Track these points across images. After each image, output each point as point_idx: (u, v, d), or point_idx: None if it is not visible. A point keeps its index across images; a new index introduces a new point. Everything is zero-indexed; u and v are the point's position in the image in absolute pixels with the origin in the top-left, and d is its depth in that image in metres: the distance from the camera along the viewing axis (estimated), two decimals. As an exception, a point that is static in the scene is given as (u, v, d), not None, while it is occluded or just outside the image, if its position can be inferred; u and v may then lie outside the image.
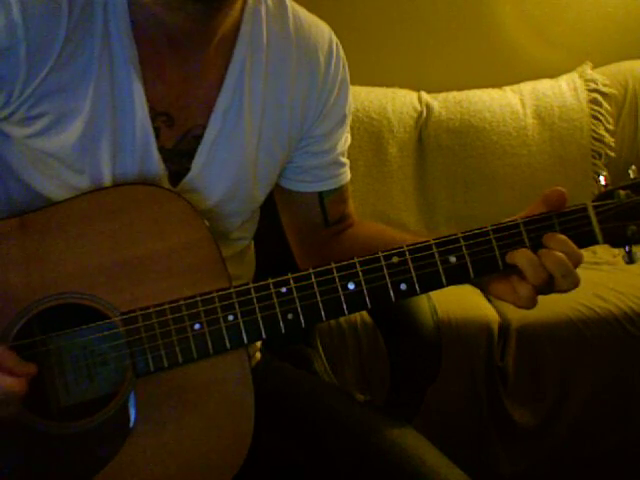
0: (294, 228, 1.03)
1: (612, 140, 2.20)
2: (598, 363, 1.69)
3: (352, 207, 1.04)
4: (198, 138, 0.85)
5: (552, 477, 1.74)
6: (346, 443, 0.87)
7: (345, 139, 0.99)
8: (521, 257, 0.76)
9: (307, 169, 0.96)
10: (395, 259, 0.77)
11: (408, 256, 0.77)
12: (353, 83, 2.39)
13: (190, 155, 0.85)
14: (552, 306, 1.70)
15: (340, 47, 0.95)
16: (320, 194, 0.98)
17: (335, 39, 0.95)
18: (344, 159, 0.99)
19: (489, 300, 1.82)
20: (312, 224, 1.00)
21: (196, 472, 0.78)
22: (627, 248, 0.80)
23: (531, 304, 0.77)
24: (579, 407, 1.69)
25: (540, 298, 0.78)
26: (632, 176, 0.81)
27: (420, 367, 1.05)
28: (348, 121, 0.98)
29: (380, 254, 0.78)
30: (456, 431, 1.69)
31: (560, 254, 0.75)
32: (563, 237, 0.76)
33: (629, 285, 1.79)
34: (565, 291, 0.77)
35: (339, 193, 0.99)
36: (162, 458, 0.77)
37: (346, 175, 1.00)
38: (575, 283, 0.76)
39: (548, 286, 0.76)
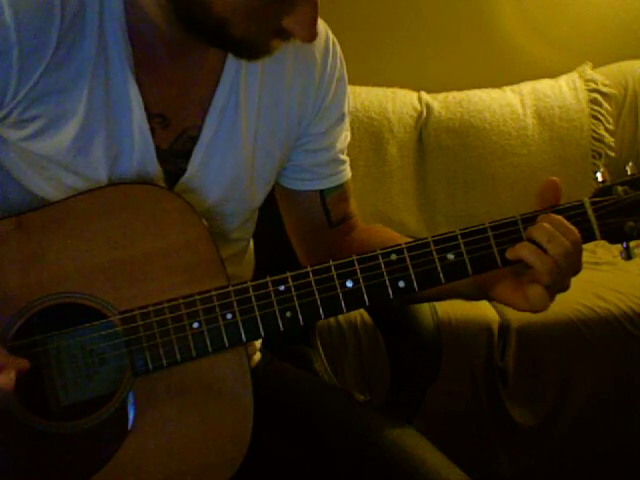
0: (298, 230, 1.02)
1: (612, 140, 2.20)
2: (598, 363, 1.69)
3: (355, 207, 1.02)
4: (194, 139, 0.85)
5: (552, 477, 1.74)
6: (346, 443, 0.87)
7: (345, 136, 0.98)
8: (523, 249, 0.76)
9: (307, 167, 0.95)
10: (393, 256, 0.77)
11: (406, 253, 0.77)
12: (353, 83, 2.39)
13: (186, 156, 0.85)
14: (552, 306, 1.68)
15: (337, 45, 0.94)
16: (321, 192, 0.97)
17: (332, 36, 0.94)
18: (344, 156, 0.98)
19: (489, 300, 1.81)
20: (316, 225, 0.99)
21: (195, 470, 0.78)
22: (625, 244, 0.79)
23: (543, 304, 0.77)
24: (579, 407, 1.69)
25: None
26: (629, 172, 0.81)
27: (420, 367, 1.05)
28: (347, 119, 0.97)
29: (378, 252, 0.77)
30: (456, 431, 1.69)
31: (546, 224, 0.75)
32: (549, 215, 0.77)
33: (629, 285, 1.79)
34: (569, 273, 0.76)
35: (341, 191, 0.98)
36: (161, 457, 0.77)
37: (347, 172, 0.99)
38: (565, 248, 0.74)
39: (557, 277, 0.75)
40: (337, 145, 0.96)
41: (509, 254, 0.77)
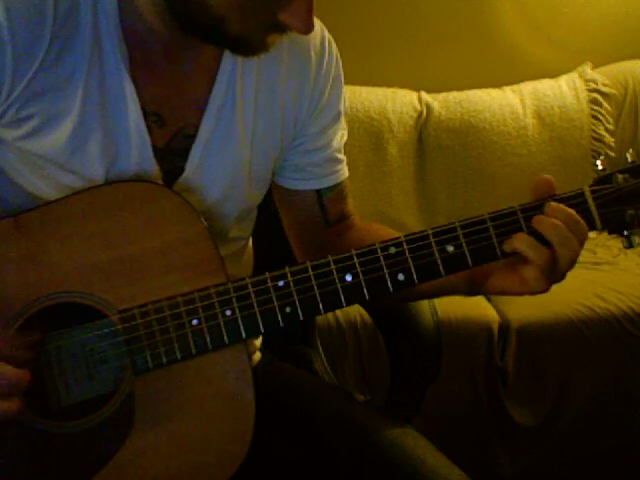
0: (295, 229, 1.02)
1: (612, 140, 2.20)
2: (598, 363, 1.69)
3: (352, 205, 1.02)
4: (190, 137, 0.85)
5: (552, 477, 1.74)
6: (346, 443, 0.87)
7: (341, 135, 0.97)
8: (520, 241, 0.75)
9: (303, 167, 0.95)
10: (392, 249, 0.77)
11: (405, 246, 0.77)
12: (353, 83, 2.38)
13: (183, 154, 0.85)
14: (552, 306, 1.70)
15: (333, 43, 0.94)
16: (318, 192, 0.96)
17: (327, 35, 0.93)
18: (341, 155, 0.98)
19: (489, 300, 1.82)
20: (312, 224, 0.98)
21: (196, 469, 0.77)
22: (625, 232, 0.79)
23: (540, 286, 0.75)
24: (579, 407, 1.69)
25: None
26: (630, 160, 0.80)
27: (420, 367, 1.05)
28: (343, 118, 0.97)
29: (377, 245, 0.77)
30: (456, 431, 1.69)
31: (556, 220, 0.74)
32: (559, 205, 0.76)
33: (629, 285, 1.79)
34: (566, 268, 0.75)
35: (338, 190, 0.98)
36: (162, 456, 0.77)
37: (344, 172, 0.98)
38: (574, 250, 0.74)
39: (552, 267, 0.75)
40: (333, 144, 0.96)
41: (506, 246, 0.77)
